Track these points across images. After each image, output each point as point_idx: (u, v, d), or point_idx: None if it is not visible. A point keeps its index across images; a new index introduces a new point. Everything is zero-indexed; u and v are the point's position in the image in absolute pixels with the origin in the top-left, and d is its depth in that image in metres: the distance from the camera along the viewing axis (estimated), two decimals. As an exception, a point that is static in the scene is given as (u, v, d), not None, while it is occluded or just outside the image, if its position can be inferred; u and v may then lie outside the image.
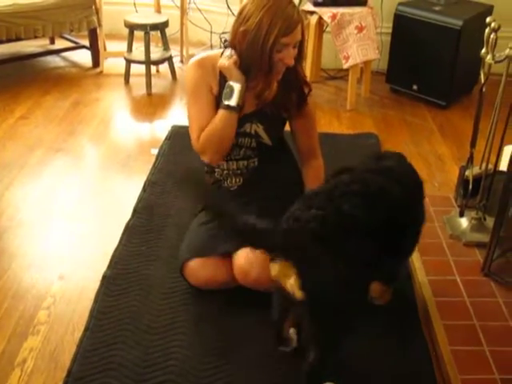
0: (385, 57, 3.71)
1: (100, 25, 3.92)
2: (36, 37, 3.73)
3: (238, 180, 2.09)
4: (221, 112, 1.93)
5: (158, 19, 3.74)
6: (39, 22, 3.64)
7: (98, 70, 3.99)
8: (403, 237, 1.77)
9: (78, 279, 2.14)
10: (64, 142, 3.08)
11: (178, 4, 4.09)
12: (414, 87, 3.58)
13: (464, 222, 2.32)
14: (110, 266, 2.16)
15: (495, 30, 2.03)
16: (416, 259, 2.18)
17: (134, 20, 3.68)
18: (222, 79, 1.95)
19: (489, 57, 2.08)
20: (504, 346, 1.82)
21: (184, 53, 4.09)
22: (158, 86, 3.79)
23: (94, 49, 3.99)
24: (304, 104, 2.03)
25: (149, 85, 3.66)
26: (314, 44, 3.61)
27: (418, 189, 1.84)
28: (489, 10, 3.43)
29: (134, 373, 1.74)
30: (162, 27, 3.70)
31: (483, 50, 2.09)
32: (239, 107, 1.92)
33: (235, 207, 1.88)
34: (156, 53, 3.77)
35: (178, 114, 3.41)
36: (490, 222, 2.22)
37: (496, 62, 2.08)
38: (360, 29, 3.38)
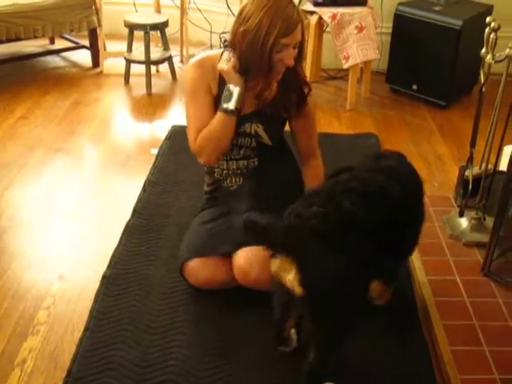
0: (385, 57, 3.71)
1: (100, 25, 3.92)
2: (36, 37, 3.73)
3: (237, 180, 2.09)
4: (219, 115, 1.93)
5: (158, 19, 3.74)
6: (39, 21, 3.64)
7: (97, 69, 3.99)
8: (403, 236, 1.77)
9: (77, 279, 2.14)
10: (64, 142, 3.08)
11: (178, 4, 4.09)
12: (414, 87, 3.58)
13: (464, 222, 2.32)
14: (109, 266, 2.16)
15: (495, 30, 2.03)
16: (416, 259, 2.18)
17: (133, 20, 3.68)
18: (222, 80, 1.94)
19: (489, 56, 2.08)
20: (504, 345, 1.82)
21: (184, 53, 4.09)
22: (158, 85, 3.79)
23: (94, 49, 3.99)
24: (304, 104, 2.02)
25: (149, 85, 3.66)
26: (314, 44, 3.61)
27: (417, 188, 1.85)
28: (489, 10, 3.43)
29: (133, 373, 1.74)
30: (161, 27, 3.71)
31: (483, 50, 2.09)
32: (237, 111, 1.92)
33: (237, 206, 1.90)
34: (156, 53, 3.77)
35: (177, 114, 3.41)
36: (489, 222, 2.22)
37: (496, 62, 2.08)
38: (360, 29, 3.38)
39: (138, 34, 3.67)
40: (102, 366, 1.76)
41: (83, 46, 4.07)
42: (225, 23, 3.96)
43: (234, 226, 1.97)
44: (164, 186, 2.66)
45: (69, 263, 2.22)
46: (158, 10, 4.11)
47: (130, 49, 3.76)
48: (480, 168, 2.31)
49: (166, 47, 3.81)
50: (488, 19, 2.05)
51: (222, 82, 1.95)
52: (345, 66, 3.46)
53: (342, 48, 3.42)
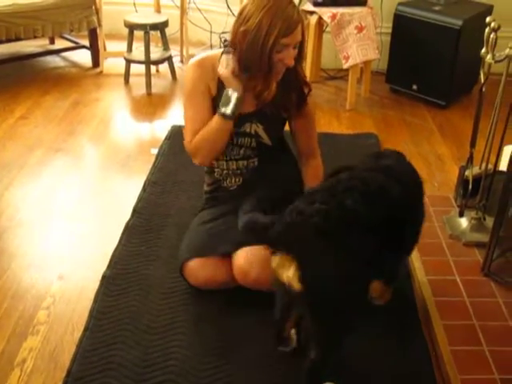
0: (385, 57, 3.71)
1: (100, 25, 3.92)
2: (36, 37, 3.73)
3: (237, 180, 2.09)
4: (216, 118, 1.93)
5: (158, 19, 3.74)
6: (39, 21, 3.64)
7: (97, 69, 3.99)
8: (403, 235, 1.77)
9: (77, 279, 2.14)
10: (64, 142, 3.08)
11: (178, 4, 4.09)
12: (414, 87, 3.58)
13: (464, 222, 2.32)
14: (109, 266, 2.16)
15: (495, 30, 2.03)
16: (416, 259, 2.18)
17: (133, 20, 3.68)
18: (221, 81, 1.94)
19: (489, 56, 2.08)
20: (504, 345, 1.82)
21: (184, 53, 4.09)
22: (158, 85, 3.79)
23: (94, 49, 3.99)
24: (304, 104, 2.02)
25: (149, 85, 3.66)
26: (314, 44, 3.61)
27: (417, 187, 1.85)
28: (489, 10, 3.43)
29: (133, 373, 1.74)
30: (161, 27, 3.70)
31: (483, 50, 2.09)
32: (235, 116, 1.92)
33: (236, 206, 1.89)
34: (156, 53, 3.77)
35: (177, 114, 3.41)
36: (489, 221, 2.22)
37: (496, 62, 2.08)
38: (360, 29, 3.38)
39: (138, 33, 3.67)
40: (101, 365, 1.76)
41: (83, 46, 4.07)
42: (225, 23, 3.96)
43: (234, 226, 1.97)
44: (164, 186, 2.66)
45: (69, 263, 2.22)
46: (158, 10, 4.11)
47: (129, 49, 3.76)
48: (480, 168, 2.31)
49: (165, 47, 3.81)
50: (488, 19, 2.05)
51: (221, 83, 1.95)
52: (345, 66, 3.46)
53: (341, 48, 3.42)
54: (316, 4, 3.46)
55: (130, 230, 2.36)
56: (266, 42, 1.79)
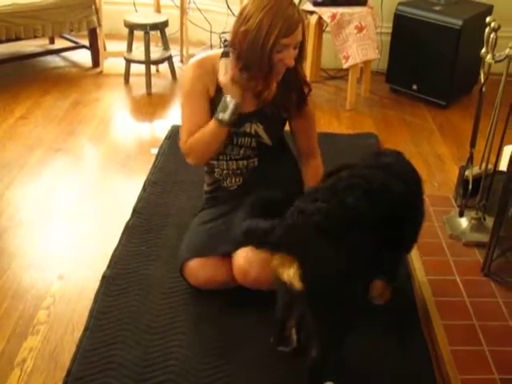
0: (385, 57, 3.71)
1: (100, 25, 3.92)
2: (36, 36, 3.73)
3: (237, 180, 2.09)
4: (212, 123, 1.93)
5: (158, 19, 3.74)
6: (39, 21, 3.64)
7: (97, 69, 3.99)
8: (403, 233, 1.77)
9: (77, 279, 2.14)
10: (64, 141, 3.08)
11: (178, 4, 4.09)
12: (414, 87, 3.58)
13: (464, 222, 2.32)
14: (109, 266, 2.16)
15: (495, 30, 2.03)
16: (416, 259, 2.18)
17: (133, 20, 3.68)
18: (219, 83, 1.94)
19: (489, 56, 2.08)
20: (504, 345, 1.82)
21: (184, 52, 4.09)
22: (158, 85, 3.79)
23: (94, 49, 3.99)
24: (304, 104, 2.02)
25: (149, 84, 3.66)
26: (314, 44, 3.61)
27: (417, 185, 1.85)
28: (489, 10, 3.43)
29: (133, 372, 1.74)
30: (161, 27, 3.70)
31: (483, 50, 2.09)
32: (231, 122, 1.92)
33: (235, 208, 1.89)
34: (156, 52, 3.77)
35: (177, 114, 3.40)
36: (489, 221, 2.22)
37: (496, 62, 2.08)
38: (360, 29, 3.38)
39: (138, 33, 3.67)
40: (101, 365, 1.76)
41: (83, 46, 4.07)
42: (225, 23, 3.96)
43: (234, 226, 1.97)
44: (164, 186, 2.66)
45: (69, 263, 2.22)
46: (158, 10, 4.11)
47: (129, 49, 3.76)
48: (480, 168, 2.31)
49: (165, 47, 3.81)
50: (488, 19, 2.05)
51: (218, 86, 1.94)
52: (344, 66, 3.46)
53: (341, 48, 3.42)
54: (316, 4, 3.46)
55: (130, 230, 2.36)
56: (266, 42, 1.78)
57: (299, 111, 2.03)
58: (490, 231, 2.09)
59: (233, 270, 1.93)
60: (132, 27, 3.66)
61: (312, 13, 3.51)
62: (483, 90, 2.15)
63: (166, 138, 3.08)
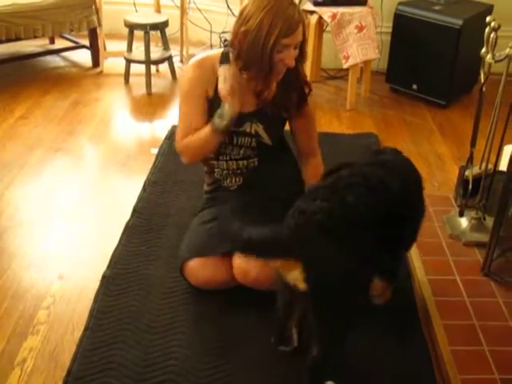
0: (385, 56, 3.71)
1: (100, 24, 3.92)
2: (36, 36, 3.73)
3: (237, 180, 2.09)
4: (207, 129, 1.93)
5: (158, 19, 3.74)
6: (39, 21, 3.64)
7: (97, 69, 3.99)
8: (403, 230, 1.77)
9: (77, 279, 2.14)
10: (64, 141, 3.08)
11: (178, 4, 4.09)
12: (414, 87, 3.58)
13: (464, 222, 2.32)
14: (109, 266, 2.16)
15: (495, 30, 2.03)
16: (416, 258, 2.18)
17: (133, 20, 3.68)
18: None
19: (489, 56, 2.08)
20: (504, 345, 1.82)
21: (184, 52, 4.09)
22: (158, 85, 3.79)
23: (94, 48, 3.99)
24: (304, 104, 2.02)
25: (149, 84, 3.66)
26: (314, 44, 3.61)
27: (416, 181, 1.85)
28: (489, 10, 3.42)
29: (133, 372, 1.74)
30: (161, 27, 3.70)
31: (483, 50, 2.09)
32: (226, 131, 1.93)
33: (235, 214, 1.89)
34: (156, 52, 3.77)
35: (178, 114, 3.40)
36: (489, 221, 2.22)
37: (496, 62, 2.08)
38: (360, 28, 3.38)
39: (138, 33, 3.67)
40: (102, 365, 1.76)
41: (83, 46, 4.07)
42: (225, 23, 3.97)
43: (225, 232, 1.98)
44: (164, 186, 2.66)
45: (69, 263, 2.22)
46: (158, 10, 4.11)
47: (129, 48, 3.76)
48: (480, 168, 2.31)
49: (165, 47, 3.80)
50: (488, 19, 2.05)
51: (217, 86, 1.94)
52: (345, 66, 3.46)
53: (341, 48, 3.42)
54: (316, 3, 3.46)
55: (130, 230, 2.36)
56: (266, 43, 1.78)
57: (299, 111, 2.03)
58: (490, 231, 2.09)
59: (233, 270, 1.93)
60: (132, 27, 3.66)
61: (312, 12, 3.51)
62: (483, 89, 2.15)
63: (166, 138, 3.08)
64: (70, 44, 4.15)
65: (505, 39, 2.10)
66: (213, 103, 1.95)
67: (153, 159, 2.89)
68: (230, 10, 3.97)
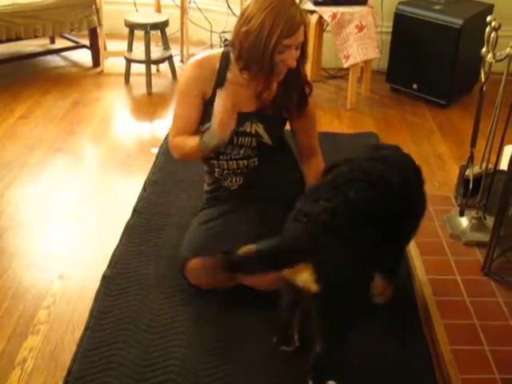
0: (385, 56, 3.70)
1: (100, 24, 3.92)
2: (36, 36, 3.73)
3: (238, 179, 2.08)
4: (196, 142, 1.92)
5: (158, 18, 3.74)
6: (39, 21, 3.64)
7: (98, 69, 3.99)
8: (403, 224, 1.77)
9: (77, 279, 2.14)
10: (64, 141, 3.08)
11: (178, 3, 4.09)
12: (414, 86, 3.58)
13: (464, 222, 2.32)
14: (109, 266, 2.16)
15: (496, 29, 2.03)
16: (416, 258, 2.18)
17: (134, 19, 3.68)
18: (217, 83, 1.94)
19: (489, 56, 2.08)
20: (504, 345, 1.82)
21: (184, 52, 4.08)
22: (159, 85, 3.79)
23: (95, 48, 3.99)
24: (305, 104, 2.02)
25: (149, 84, 3.66)
26: (315, 43, 3.61)
27: (416, 175, 1.85)
28: (489, 9, 3.42)
29: (134, 372, 1.74)
30: (162, 26, 3.70)
31: (484, 49, 2.09)
32: (213, 152, 1.95)
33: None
34: (156, 52, 3.77)
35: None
36: (490, 221, 2.22)
37: (496, 61, 2.08)
38: (360, 28, 3.38)
39: (139, 33, 3.67)
40: (102, 365, 1.76)
41: (83, 46, 4.07)
42: (225, 22, 3.97)
43: (234, 225, 1.97)
44: (164, 186, 2.66)
45: (69, 263, 2.22)
46: (159, 10, 4.11)
47: (130, 48, 3.76)
48: (480, 167, 2.30)
49: (166, 47, 3.80)
50: (488, 18, 2.05)
51: (217, 85, 1.94)
52: (345, 66, 3.46)
53: (342, 47, 3.42)
54: (316, 3, 3.46)
55: (130, 230, 2.36)
56: (268, 43, 1.78)
57: (300, 111, 2.03)
58: (490, 231, 2.09)
59: (233, 270, 1.93)
60: (132, 27, 3.66)
61: (312, 12, 3.51)
62: (484, 89, 2.15)
63: (166, 138, 3.08)
64: (71, 44, 4.15)
65: (505, 39, 2.10)
66: (209, 105, 1.94)
67: (153, 159, 2.89)
68: (231, 9, 3.97)
